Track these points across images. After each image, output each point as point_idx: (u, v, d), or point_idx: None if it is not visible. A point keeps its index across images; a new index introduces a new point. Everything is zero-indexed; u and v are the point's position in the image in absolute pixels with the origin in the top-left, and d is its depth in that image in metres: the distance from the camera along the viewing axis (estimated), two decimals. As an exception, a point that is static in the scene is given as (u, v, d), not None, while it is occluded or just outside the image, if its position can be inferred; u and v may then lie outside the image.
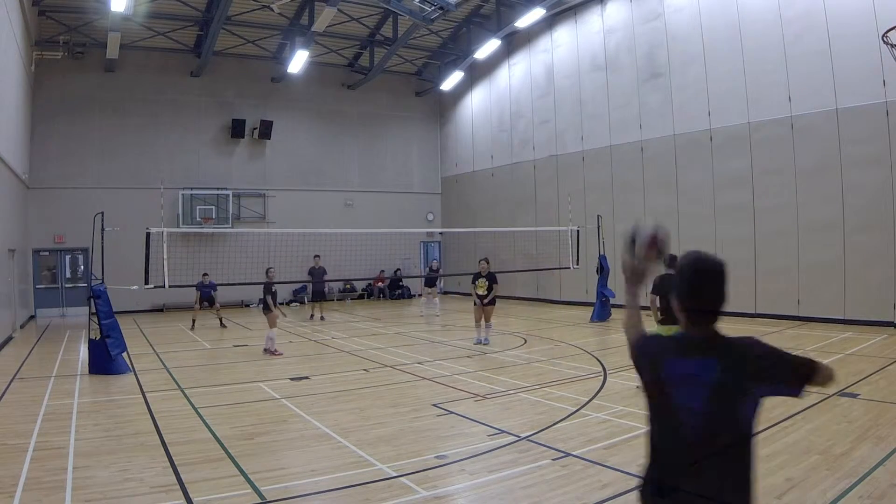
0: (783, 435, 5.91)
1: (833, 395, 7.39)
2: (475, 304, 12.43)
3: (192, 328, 15.92)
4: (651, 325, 7.86)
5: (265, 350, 11.73)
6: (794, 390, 2.12)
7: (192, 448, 5.95)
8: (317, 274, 17.70)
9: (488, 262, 12.63)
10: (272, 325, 11.70)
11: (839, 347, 10.71)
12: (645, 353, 2.31)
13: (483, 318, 12.19)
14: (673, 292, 2.25)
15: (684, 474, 2.09)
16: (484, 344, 12.06)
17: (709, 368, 2.08)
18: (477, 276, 12.55)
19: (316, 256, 17.82)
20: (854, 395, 7.33)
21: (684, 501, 2.08)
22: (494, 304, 12.37)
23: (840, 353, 10.20)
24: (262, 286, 11.98)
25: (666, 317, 7.83)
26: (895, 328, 12.44)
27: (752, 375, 2.07)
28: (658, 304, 7.91)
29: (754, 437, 2.12)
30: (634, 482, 4.82)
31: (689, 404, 2.08)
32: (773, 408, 6.90)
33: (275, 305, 11.76)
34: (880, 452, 5.30)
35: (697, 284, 2.18)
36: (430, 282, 19.09)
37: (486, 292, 12.15)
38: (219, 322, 16.42)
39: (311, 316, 18.18)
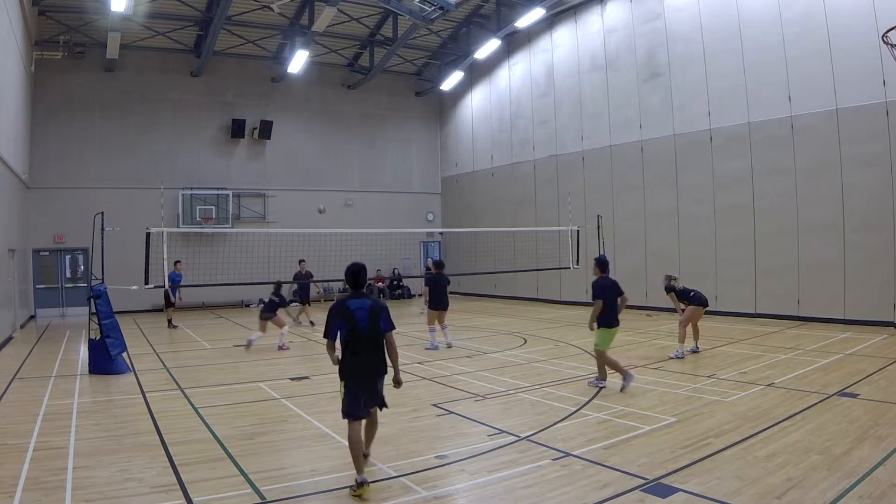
0: (783, 435, 5.91)
1: (833, 395, 7.40)
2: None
3: (170, 326, 15.87)
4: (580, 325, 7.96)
5: (279, 347, 12.29)
6: (386, 325, 5.16)
7: (192, 448, 5.95)
8: (302, 279, 16.71)
9: (433, 265, 12.06)
10: (280, 325, 12.36)
11: (839, 347, 10.70)
12: (338, 311, 5.11)
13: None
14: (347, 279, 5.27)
15: (364, 352, 5.08)
16: (433, 349, 11.70)
17: (366, 305, 5.09)
18: None
19: (301, 261, 16.78)
20: (854, 395, 7.32)
21: (368, 364, 5.09)
22: (433, 308, 12.01)
23: (840, 353, 10.19)
24: (274, 287, 12.54)
25: (604, 319, 7.97)
26: (895, 328, 12.44)
27: (379, 310, 5.14)
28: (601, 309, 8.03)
29: (383, 335, 5.14)
30: (634, 482, 4.85)
31: (361, 320, 5.04)
32: (772, 408, 6.91)
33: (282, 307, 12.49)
34: (880, 452, 5.30)
35: (354, 275, 5.20)
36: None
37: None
38: (167, 322, 16.00)
39: (311, 323, 17.66)
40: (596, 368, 8.41)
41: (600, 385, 8.12)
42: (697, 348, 10.61)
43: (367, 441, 5.40)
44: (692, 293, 10.46)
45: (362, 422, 5.15)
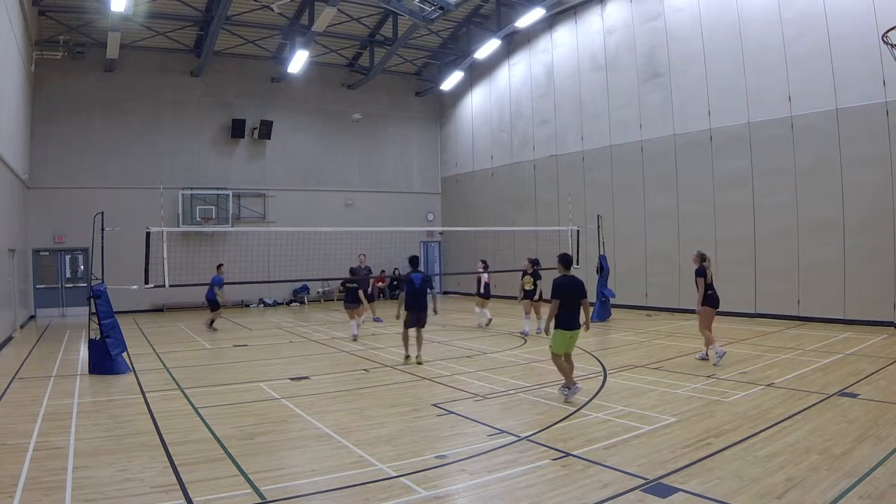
0: (783, 435, 5.91)
1: (833, 395, 7.40)
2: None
3: (210, 328, 15.48)
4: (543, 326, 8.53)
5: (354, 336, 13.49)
6: (430, 288, 10.62)
7: (192, 448, 5.94)
8: (361, 274, 14.92)
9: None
10: (352, 317, 13.68)
11: (839, 347, 10.70)
12: (405, 279, 10.50)
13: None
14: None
15: (416, 299, 10.35)
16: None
17: (419, 276, 10.37)
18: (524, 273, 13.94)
19: (361, 255, 15.70)
20: (854, 395, 7.32)
21: (417, 305, 10.34)
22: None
23: (840, 353, 10.19)
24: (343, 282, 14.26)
25: (560, 320, 7.43)
26: (895, 328, 12.44)
27: (426, 279, 10.44)
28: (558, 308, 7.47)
29: (428, 293, 10.49)
30: (634, 482, 4.85)
31: (416, 285, 10.35)
32: (772, 408, 6.91)
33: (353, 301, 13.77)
34: (880, 452, 5.30)
35: (412, 261, 10.75)
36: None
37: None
38: (210, 323, 15.66)
39: (376, 318, 16.45)
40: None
41: (566, 393, 7.55)
42: (707, 356, 9.76)
43: (418, 347, 10.40)
44: (710, 291, 9.67)
45: (414, 331, 10.34)
